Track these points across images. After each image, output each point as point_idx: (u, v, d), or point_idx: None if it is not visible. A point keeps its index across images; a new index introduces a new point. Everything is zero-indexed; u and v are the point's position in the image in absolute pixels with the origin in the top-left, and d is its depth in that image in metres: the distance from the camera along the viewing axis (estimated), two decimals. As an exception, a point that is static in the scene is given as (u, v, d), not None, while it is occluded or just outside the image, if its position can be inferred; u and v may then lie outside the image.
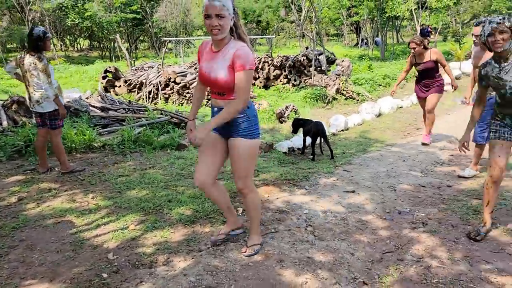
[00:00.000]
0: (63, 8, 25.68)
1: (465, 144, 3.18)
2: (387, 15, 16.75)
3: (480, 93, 3.09)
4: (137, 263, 2.83)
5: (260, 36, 25.27)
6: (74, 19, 24.84)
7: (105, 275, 2.66)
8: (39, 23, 23.86)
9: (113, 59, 25.71)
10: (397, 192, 4.10)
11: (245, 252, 2.93)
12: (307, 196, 3.98)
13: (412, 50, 5.67)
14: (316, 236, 3.21)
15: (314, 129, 5.31)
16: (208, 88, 2.75)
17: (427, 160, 5.13)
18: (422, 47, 5.59)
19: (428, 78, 5.72)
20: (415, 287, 2.53)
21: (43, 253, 2.94)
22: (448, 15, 19.16)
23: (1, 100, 6.84)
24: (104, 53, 29.23)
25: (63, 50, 31.08)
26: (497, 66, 2.82)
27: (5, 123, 6.05)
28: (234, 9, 2.44)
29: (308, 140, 5.57)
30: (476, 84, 4.31)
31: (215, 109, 2.65)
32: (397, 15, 16.38)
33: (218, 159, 2.77)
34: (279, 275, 2.68)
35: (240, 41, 2.48)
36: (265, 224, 3.42)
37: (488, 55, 4.15)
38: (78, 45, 34.49)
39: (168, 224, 3.38)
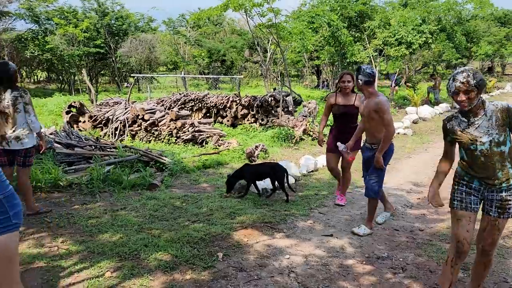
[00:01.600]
0: (22, 39, 25.03)
1: (436, 200, 2.83)
2: (347, 60, 17.61)
3: (445, 148, 2.81)
4: (116, 315, 2.67)
5: (228, 76, 25.70)
6: (33, 51, 24.23)
7: (82, 330, 2.48)
8: (-4, 53, 23.06)
9: (73, 92, 25.10)
10: (373, 236, 4.17)
11: None
12: (287, 240, 3.97)
13: (343, 85, 4.72)
14: (299, 283, 3.18)
15: (279, 173, 5.29)
16: None
17: (397, 203, 5.29)
18: (353, 85, 4.66)
19: (345, 126, 4.84)
20: (404, 336, 2.54)
21: (12, 306, 2.70)
22: (402, 62, 20.47)
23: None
24: (62, 86, 28.47)
25: (19, 81, 30.01)
26: (465, 120, 2.58)
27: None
28: None
29: (264, 183, 5.59)
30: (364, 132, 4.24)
31: None
32: (357, 60, 17.27)
33: None
34: (267, 326, 2.61)
35: None
36: (247, 270, 3.35)
37: (368, 99, 4.00)
38: (35, 76, 33.44)
39: (146, 271, 3.24)
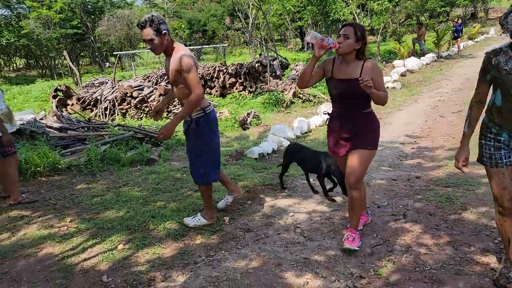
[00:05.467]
0: (-4, 27, 24.19)
1: (465, 161, 2.47)
2: (330, 18, 17.35)
3: (480, 90, 2.34)
4: (134, 282, 2.77)
5: (211, 46, 25.20)
6: (9, 38, 23.44)
7: (104, 299, 2.58)
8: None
9: (55, 77, 24.56)
10: (372, 187, 4.30)
11: None
12: (289, 199, 4.08)
13: (337, 45, 2.74)
14: (306, 237, 3.30)
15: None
16: None
17: (393, 155, 5.41)
18: (358, 46, 2.76)
19: (349, 114, 2.90)
20: (410, 276, 2.68)
21: (32, 284, 2.79)
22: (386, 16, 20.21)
23: None
24: (44, 71, 27.82)
25: (-3, 70, 29.20)
26: None
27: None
28: None
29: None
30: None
31: None
32: (340, 18, 17.03)
33: None
34: (280, 278, 2.73)
35: None
36: (254, 230, 3.46)
37: (171, 57, 3.08)
38: (14, 64, 32.54)
39: (157, 240, 3.33)
